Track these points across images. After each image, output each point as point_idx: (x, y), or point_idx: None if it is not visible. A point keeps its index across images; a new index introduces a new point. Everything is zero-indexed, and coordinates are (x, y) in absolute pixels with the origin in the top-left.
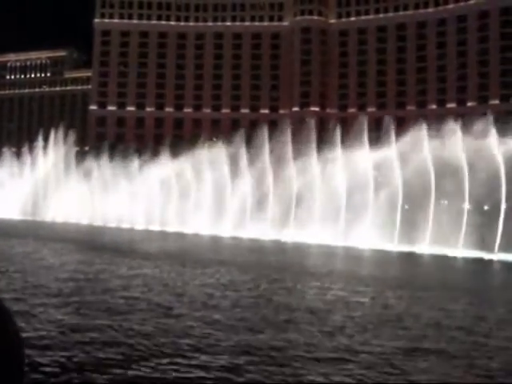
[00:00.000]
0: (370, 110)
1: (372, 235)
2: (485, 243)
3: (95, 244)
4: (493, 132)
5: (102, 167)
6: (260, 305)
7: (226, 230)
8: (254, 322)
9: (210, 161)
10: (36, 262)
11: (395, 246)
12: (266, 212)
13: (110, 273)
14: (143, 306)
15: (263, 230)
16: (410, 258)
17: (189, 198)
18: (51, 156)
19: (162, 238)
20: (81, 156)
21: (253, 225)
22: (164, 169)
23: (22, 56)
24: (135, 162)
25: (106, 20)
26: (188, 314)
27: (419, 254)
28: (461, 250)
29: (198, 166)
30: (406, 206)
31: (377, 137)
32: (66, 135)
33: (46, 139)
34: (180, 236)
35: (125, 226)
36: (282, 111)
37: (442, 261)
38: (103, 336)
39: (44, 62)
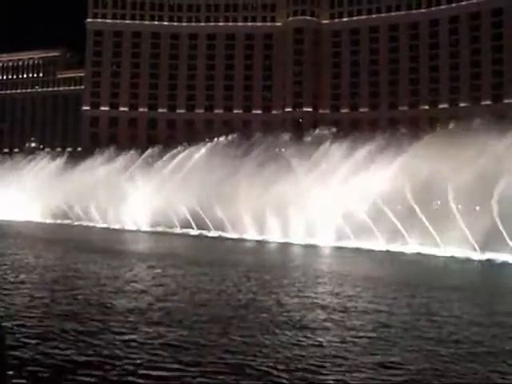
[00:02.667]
0: (363, 110)
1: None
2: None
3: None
4: None
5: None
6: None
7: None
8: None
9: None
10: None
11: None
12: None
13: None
14: None
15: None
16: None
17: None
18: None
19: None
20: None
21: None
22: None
23: (15, 56)
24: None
25: (99, 20)
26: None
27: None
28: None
29: None
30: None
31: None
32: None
33: (38, 140)
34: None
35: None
36: (274, 112)
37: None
38: None
39: (36, 62)
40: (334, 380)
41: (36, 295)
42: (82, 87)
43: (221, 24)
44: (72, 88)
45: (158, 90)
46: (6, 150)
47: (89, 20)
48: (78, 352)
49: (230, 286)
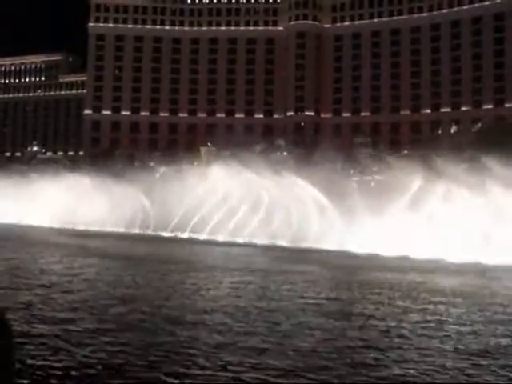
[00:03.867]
0: (365, 114)
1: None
2: None
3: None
4: None
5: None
6: None
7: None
8: None
9: None
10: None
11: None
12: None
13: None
14: None
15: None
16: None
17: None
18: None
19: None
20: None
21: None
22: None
23: (17, 60)
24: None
25: (101, 24)
26: None
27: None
28: None
29: None
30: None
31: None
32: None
33: (40, 144)
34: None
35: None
36: (276, 116)
37: None
38: None
39: (39, 66)
40: None
41: None
42: (84, 91)
43: (223, 28)
44: (74, 92)
45: (160, 94)
46: (7, 154)
47: (91, 24)
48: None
49: None
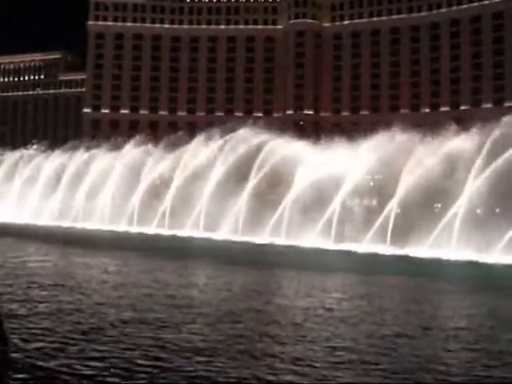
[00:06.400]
0: (364, 113)
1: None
2: None
3: None
4: None
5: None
6: None
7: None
8: None
9: None
10: None
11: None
12: None
13: None
14: None
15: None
16: None
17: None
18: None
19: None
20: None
21: None
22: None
23: (16, 58)
24: None
25: (100, 22)
26: None
27: None
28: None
29: None
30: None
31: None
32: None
33: (39, 142)
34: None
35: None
36: (275, 114)
37: None
38: None
39: (38, 64)
40: None
41: None
42: (84, 89)
43: (222, 27)
44: (73, 90)
45: (159, 92)
46: (7, 152)
47: (90, 22)
48: None
49: None
